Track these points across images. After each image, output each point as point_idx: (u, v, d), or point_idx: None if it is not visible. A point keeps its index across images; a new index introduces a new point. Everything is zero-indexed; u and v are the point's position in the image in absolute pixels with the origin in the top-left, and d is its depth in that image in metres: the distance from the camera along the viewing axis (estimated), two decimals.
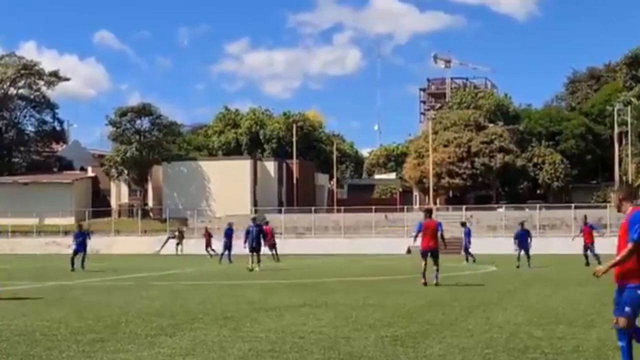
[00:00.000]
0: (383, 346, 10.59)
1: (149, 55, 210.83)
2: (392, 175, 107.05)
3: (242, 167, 78.69)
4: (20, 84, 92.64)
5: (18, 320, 13.80)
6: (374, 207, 67.60)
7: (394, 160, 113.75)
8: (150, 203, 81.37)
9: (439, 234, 21.85)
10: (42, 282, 25.16)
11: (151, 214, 79.24)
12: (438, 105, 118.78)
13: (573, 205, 58.86)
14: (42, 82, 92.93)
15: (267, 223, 42.56)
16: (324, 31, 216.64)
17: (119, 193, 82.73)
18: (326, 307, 16.09)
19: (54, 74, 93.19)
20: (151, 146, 79.23)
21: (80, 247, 33.87)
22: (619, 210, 8.46)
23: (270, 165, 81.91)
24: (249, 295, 19.33)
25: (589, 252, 33.27)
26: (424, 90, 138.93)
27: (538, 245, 50.59)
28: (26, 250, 63.70)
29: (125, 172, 78.50)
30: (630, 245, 7.92)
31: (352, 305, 16.31)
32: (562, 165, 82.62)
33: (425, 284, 21.03)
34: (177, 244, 56.11)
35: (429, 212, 22.70)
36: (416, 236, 22.17)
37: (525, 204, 71.06)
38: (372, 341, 11.03)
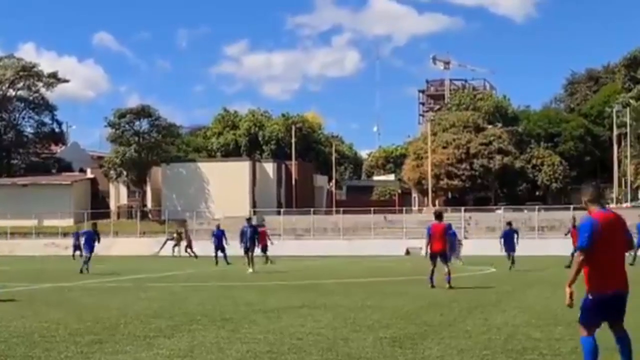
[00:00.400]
0: (381, 347, 10.60)
1: (148, 57, 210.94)
2: (391, 177, 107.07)
3: (241, 168, 78.67)
4: (19, 85, 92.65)
5: (17, 322, 13.81)
6: (372, 209, 67.59)
7: (393, 161, 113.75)
8: (149, 204, 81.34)
9: (447, 236, 21.87)
10: (41, 284, 25.17)
11: (150, 215, 79.22)
12: (437, 106, 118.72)
13: (572, 206, 58.82)
14: (41, 84, 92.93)
15: (262, 225, 42.67)
16: (322, 33, 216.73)
17: (118, 194, 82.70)
18: (325, 308, 16.10)
19: (53, 76, 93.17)
20: (150, 148, 79.18)
21: (91, 247, 32.01)
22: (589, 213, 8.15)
23: (269, 167, 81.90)
24: (247, 296, 19.34)
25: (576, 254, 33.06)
26: (422, 91, 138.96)
27: (537, 246, 50.80)
28: (25, 252, 63.65)
29: (124, 173, 78.46)
30: (576, 254, 7.94)
31: (351, 307, 16.32)
32: (561, 167, 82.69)
33: (432, 286, 20.83)
34: (175, 246, 56.05)
35: (438, 216, 22.54)
36: (428, 242, 21.91)
37: (524, 205, 71.06)
38: (371, 342, 11.04)
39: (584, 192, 8.18)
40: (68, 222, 72.41)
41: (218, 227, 41.93)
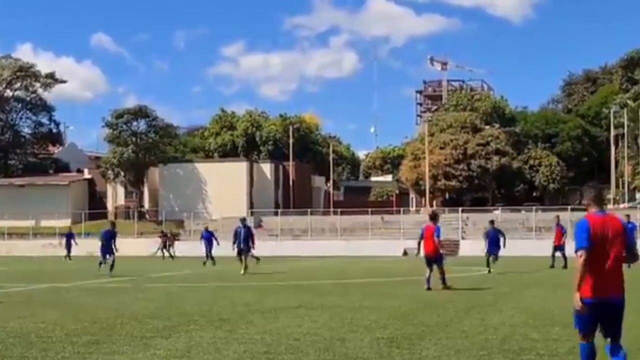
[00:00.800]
0: (378, 348, 10.60)
1: (145, 58, 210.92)
2: (389, 178, 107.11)
3: (238, 169, 78.68)
4: (17, 85, 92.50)
5: (14, 322, 13.80)
6: (370, 209, 67.55)
7: (391, 162, 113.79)
8: (147, 205, 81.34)
9: (435, 239, 21.34)
10: (38, 284, 25.15)
11: (147, 216, 79.19)
12: (434, 107, 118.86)
13: (569, 207, 58.86)
14: (38, 84, 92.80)
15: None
16: (320, 34, 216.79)
17: (115, 195, 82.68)
18: (322, 308, 16.10)
19: (51, 76, 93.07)
20: (147, 148, 79.15)
21: (109, 249, 30.45)
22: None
23: (267, 167, 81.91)
24: (244, 297, 19.34)
25: (557, 253, 32.80)
26: (420, 92, 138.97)
27: (534, 247, 50.76)
28: (22, 253, 63.59)
29: (122, 174, 78.47)
30: (577, 256, 7.57)
31: (348, 307, 16.32)
32: (558, 168, 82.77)
33: (429, 289, 20.65)
34: (169, 247, 55.66)
35: (433, 217, 22.37)
36: (419, 242, 21.88)
37: (521, 206, 71.08)
38: (368, 343, 11.04)
39: (585, 194, 8.06)
40: (65, 223, 72.17)
41: (206, 229, 42.65)
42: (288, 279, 27.52)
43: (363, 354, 10.06)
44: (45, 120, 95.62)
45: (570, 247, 29.50)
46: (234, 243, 31.64)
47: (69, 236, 52.59)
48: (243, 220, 32.38)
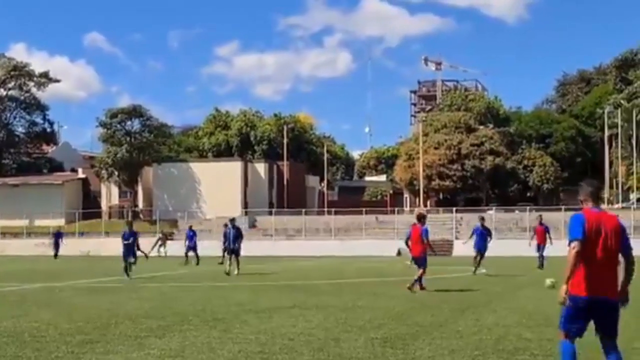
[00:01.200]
0: (373, 348, 10.60)
1: (139, 58, 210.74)
2: (383, 178, 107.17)
3: (232, 168, 78.63)
4: (10, 85, 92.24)
5: (7, 322, 13.77)
6: (364, 209, 67.62)
7: (385, 162, 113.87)
8: (141, 204, 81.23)
9: (424, 240, 21.15)
10: (32, 284, 25.11)
11: (141, 215, 79.08)
12: (428, 107, 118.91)
13: (563, 207, 58.94)
14: (32, 84, 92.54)
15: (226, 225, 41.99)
16: (314, 34, 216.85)
17: (109, 194, 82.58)
18: (316, 308, 16.10)
19: (45, 75, 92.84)
20: (141, 148, 79.04)
21: (130, 251, 28.43)
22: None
23: (261, 167, 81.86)
24: (238, 297, 19.33)
25: (539, 253, 32.85)
26: (414, 92, 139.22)
27: (528, 247, 50.74)
28: (16, 252, 63.52)
29: (116, 173, 78.35)
30: (570, 247, 7.36)
31: (342, 307, 16.33)
32: (552, 168, 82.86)
33: (422, 289, 20.60)
34: (160, 246, 55.49)
35: (418, 218, 22.24)
36: (407, 242, 21.84)
37: (515, 206, 71.15)
38: (362, 343, 11.04)
39: (582, 189, 7.82)
40: (59, 222, 72.21)
41: (190, 227, 43.01)
42: (282, 279, 27.51)
43: (357, 354, 10.06)
44: (39, 120, 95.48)
45: (556, 247, 29.16)
46: (224, 243, 31.65)
47: (58, 235, 52.55)
48: (232, 220, 32.11)
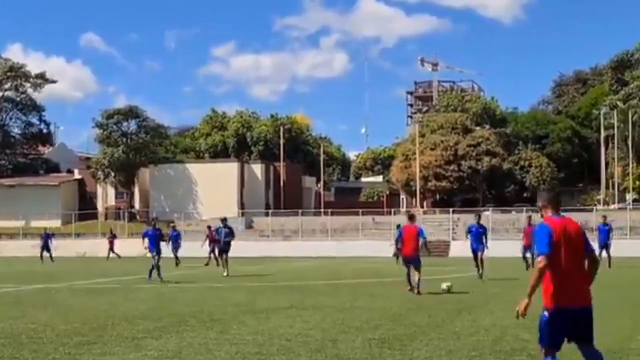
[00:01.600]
0: (370, 348, 10.60)
1: (136, 58, 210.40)
2: (379, 178, 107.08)
3: (229, 169, 78.59)
4: (7, 86, 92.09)
5: (4, 323, 13.75)
6: (361, 210, 67.53)
7: (381, 163, 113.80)
8: (137, 206, 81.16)
9: (420, 240, 20.94)
10: (28, 285, 25.08)
11: (138, 216, 79.00)
12: (425, 108, 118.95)
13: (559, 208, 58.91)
14: (28, 84, 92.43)
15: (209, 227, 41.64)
16: (310, 35, 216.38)
17: (106, 196, 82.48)
18: (313, 309, 16.10)
19: (41, 76, 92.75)
20: (138, 148, 78.99)
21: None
22: (542, 217, 7.66)
23: (257, 168, 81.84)
24: (235, 297, 19.32)
25: (528, 254, 32.48)
26: (411, 93, 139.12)
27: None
28: (12, 253, 63.37)
29: (112, 174, 78.27)
30: (537, 261, 7.38)
31: (339, 308, 16.32)
32: (549, 169, 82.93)
33: (411, 289, 20.47)
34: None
35: (410, 217, 22.17)
36: (397, 242, 21.75)
37: (511, 207, 71.18)
38: (359, 343, 11.04)
39: (540, 196, 7.75)
40: (56, 223, 72.12)
41: (174, 227, 42.32)
42: (279, 280, 27.49)
43: (355, 355, 10.06)
44: (35, 121, 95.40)
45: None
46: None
47: (47, 237, 52.42)
48: (224, 220, 31.79)
